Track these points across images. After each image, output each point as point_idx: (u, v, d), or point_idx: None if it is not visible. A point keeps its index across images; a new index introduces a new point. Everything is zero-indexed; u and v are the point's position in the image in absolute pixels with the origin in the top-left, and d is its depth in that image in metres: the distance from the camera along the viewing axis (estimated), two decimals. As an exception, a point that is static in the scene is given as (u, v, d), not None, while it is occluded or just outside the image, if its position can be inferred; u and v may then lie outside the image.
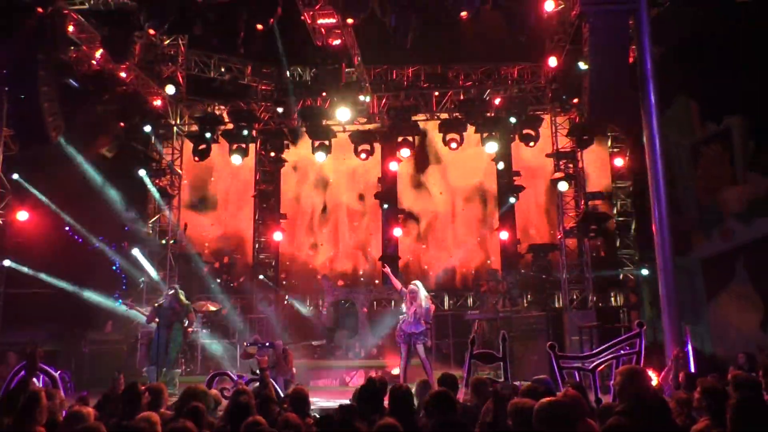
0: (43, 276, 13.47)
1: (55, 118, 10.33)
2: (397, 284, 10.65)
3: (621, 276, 15.20)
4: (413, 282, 10.71)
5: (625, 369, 4.64)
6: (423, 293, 10.26)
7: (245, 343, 12.41)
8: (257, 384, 6.37)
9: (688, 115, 17.16)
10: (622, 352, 7.36)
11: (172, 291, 10.90)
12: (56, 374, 7.69)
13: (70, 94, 12.06)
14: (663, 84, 9.70)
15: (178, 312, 10.61)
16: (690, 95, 16.85)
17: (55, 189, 13.75)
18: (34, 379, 7.14)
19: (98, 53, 12.73)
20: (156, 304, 11.00)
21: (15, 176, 13.11)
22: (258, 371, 6.26)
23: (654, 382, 7.00)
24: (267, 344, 10.53)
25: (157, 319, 10.60)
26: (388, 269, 11.09)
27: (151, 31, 10.90)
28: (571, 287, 14.85)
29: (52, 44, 10.48)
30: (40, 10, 9.89)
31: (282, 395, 6.45)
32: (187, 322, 10.79)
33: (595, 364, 7.22)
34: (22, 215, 13.20)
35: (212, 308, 14.25)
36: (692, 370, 8.26)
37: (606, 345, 7.58)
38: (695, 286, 15.34)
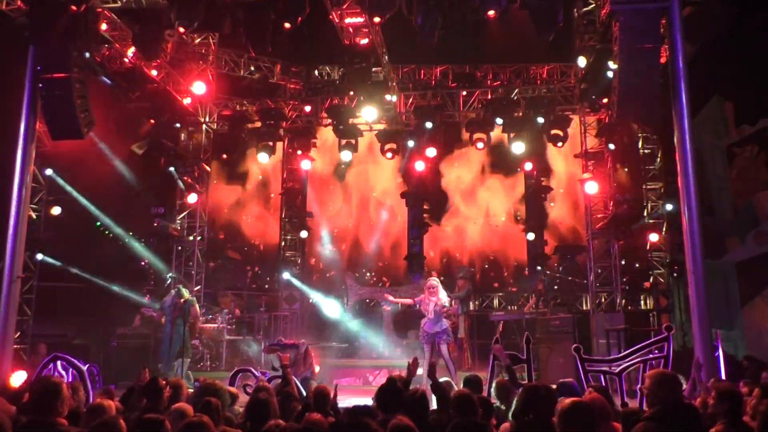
0: (74, 270, 13.75)
1: (87, 114, 10.49)
2: (409, 301, 10.80)
3: (651, 279, 14.94)
4: (432, 278, 10.68)
5: (655, 373, 4.48)
6: (443, 291, 10.31)
7: (265, 344, 12.58)
8: (279, 381, 6.40)
9: (722, 116, 16.80)
10: (649, 355, 7.21)
11: (175, 290, 11.75)
12: (84, 368, 7.82)
13: (102, 91, 12.28)
14: (696, 84, 9.48)
15: (180, 308, 11.30)
16: (724, 96, 16.51)
17: (86, 185, 14.03)
18: (62, 371, 7.30)
19: (130, 51, 12.94)
20: (158, 305, 12.01)
21: (48, 172, 13.42)
22: (280, 367, 6.28)
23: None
24: (291, 344, 10.64)
25: (163, 319, 11.20)
26: (388, 297, 11.47)
27: (182, 29, 11.00)
28: (599, 290, 14.63)
29: (86, 42, 10.66)
30: (74, 8, 10.04)
31: (303, 393, 6.46)
32: (191, 316, 11.52)
33: (621, 367, 7.09)
34: (56, 210, 13.49)
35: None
36: (722, 375, 8.07)
37: (633, 348, 7.44)
38: (729, 290, 15.01)
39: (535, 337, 11.43)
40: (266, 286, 17.19)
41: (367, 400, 5.33)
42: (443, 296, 10.22)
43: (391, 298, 11.22)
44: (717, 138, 16.82)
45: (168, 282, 14.36)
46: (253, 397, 4.95)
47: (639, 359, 7.20)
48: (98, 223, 15.03)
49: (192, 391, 6.22)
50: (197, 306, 12.07)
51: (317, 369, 10.92)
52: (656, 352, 7.35)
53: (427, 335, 10.12)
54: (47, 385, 3.67)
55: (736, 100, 16.51)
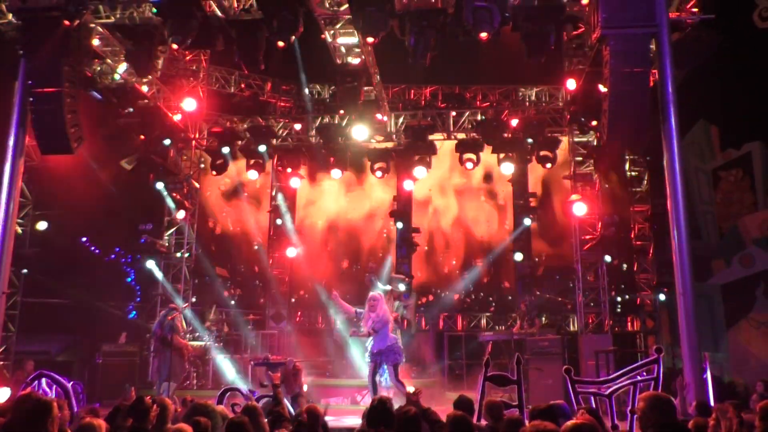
0: (59, 286, 13.59)
1: (76, 129, 10.45)
2: (350, 309, 10.15)
3: (638, 300, 15.00)
4: (377, 291, 10.25)
5: (648, 395, 4.48)
6: (384, 304, 9.68)
7: (251, 362, 12.44)
8: (268, 400, 6.33)
9: (708, 140, 17.08)
10: (639, 378, 7.21)
11: (166, 310, 11.80)
12: (68, 385, 7.69)
13: (92, 106, 12.24)
14: (683, 108, 9.64)
15: (163, 330, 11.28)
16: (710, 120, 16.79)
17: (74, 200, 13.89)
18: (47, 388, 7.18)
19: (121, 66, 12.92)
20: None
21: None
22: (271, 387, 6.22)
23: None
24: (278, 363, 10.52)
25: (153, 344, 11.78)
26: (335, 294, 10.58)
27: (174, 46, 11.00)
28: (587, 311, 14.64)
29: (77, 57, 10.64)
30: (66, 23, 10.05)
31: (293, 413, 6.38)
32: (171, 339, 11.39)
33: (611, 389, 7.08)
34: (41, 225, 13.35)
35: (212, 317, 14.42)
36: (710, 397, 8.11)
37: (623, 370, 7.44)
38: (714, 312, 15.14)
39: (524, 357, 11.40)
40: (253, 304, 17.03)
41: (356, 420, 5.28)
42: (385, 311, 9.55)
43: (336, 294, 10.52)
44: (702, 162, 17.07)
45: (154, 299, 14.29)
46: (230, 420, 4.84)
47: (628, 381, 7.20)
48: (84, 239, 14.88)
49: (179, 410, 6.13)
50: (177, 319, 11.87)
51: (305, 388, 10.81)
52: (645, 374, 7.35)
53: (372, 355, 9.48)
54: (37, 404, 3.55)
55: (721, 124, 16.79)
